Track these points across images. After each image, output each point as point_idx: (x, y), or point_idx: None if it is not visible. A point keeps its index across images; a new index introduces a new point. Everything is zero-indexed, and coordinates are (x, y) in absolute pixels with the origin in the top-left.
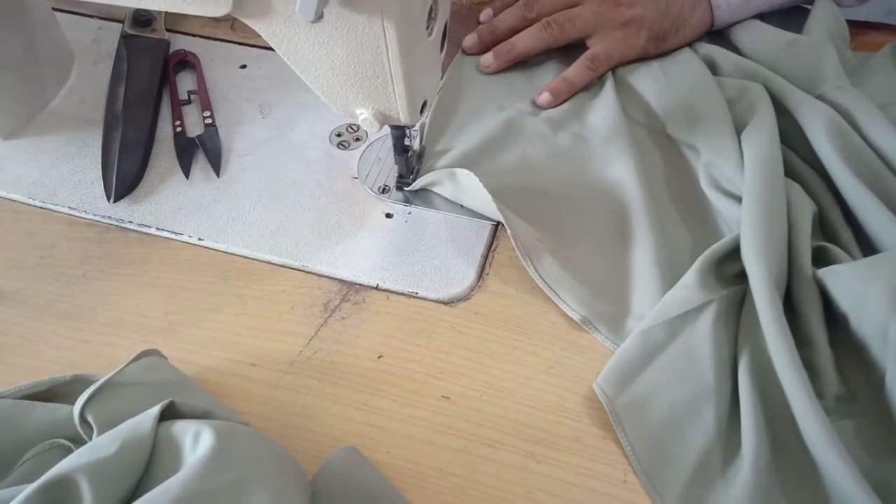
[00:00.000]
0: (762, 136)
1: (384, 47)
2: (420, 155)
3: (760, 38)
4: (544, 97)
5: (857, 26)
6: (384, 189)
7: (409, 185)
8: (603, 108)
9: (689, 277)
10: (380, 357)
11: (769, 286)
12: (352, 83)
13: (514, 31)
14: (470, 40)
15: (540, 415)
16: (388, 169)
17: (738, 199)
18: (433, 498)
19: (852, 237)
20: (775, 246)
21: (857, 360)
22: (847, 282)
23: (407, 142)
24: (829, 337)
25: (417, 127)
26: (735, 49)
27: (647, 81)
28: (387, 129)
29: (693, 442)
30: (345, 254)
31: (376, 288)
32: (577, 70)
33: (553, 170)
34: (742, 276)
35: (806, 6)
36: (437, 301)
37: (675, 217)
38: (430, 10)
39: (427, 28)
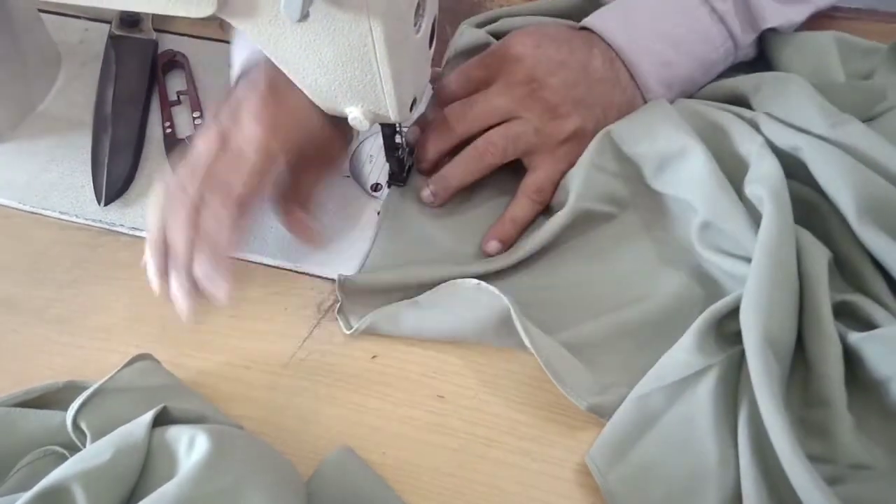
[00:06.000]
0: (773, 179)
1: (371, 45)
2: (411, 151)
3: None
4: (493, 245)
5: (849, 14)
6: (376, 187)
7: (402, 183)
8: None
9: (687, 339)
10: (374, 357)
11: (762, 344)
12: (340, 82)
13: (451, 153)
14: (424, 190)
15: (535, 412)
16: (381, 167)
17: (744, 259)
18: (429, 498)
19: (885, 286)
20: (779, 301)
21: (886, 428)
22: (888, 345)
23: (398, 139)
24: (850, 402)
25: (409, 123)
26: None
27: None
28: (378, 127)
29: None
30: (338, 253)
31: None
32: (522, 207)
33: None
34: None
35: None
36: None
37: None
38: (418, 6)
39: (415, 25)
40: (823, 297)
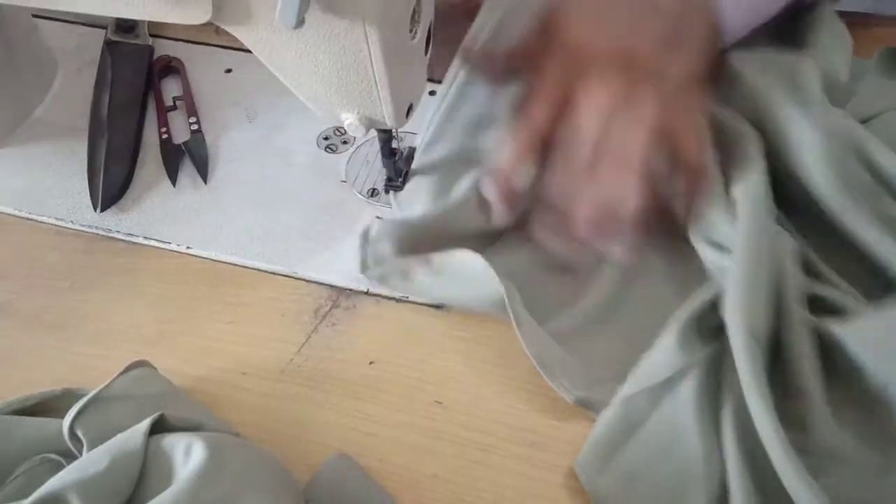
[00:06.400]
0: (751, 181)
1: (367, 52)
2: (409, 157)
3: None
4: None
5: (843, 17)
6: (373, 192)
7: (399, 188)
8: None
9: (669, 338)
10: (371, 363)
11: (748, 340)
12: (336, 88)
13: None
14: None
15: (533, 417)
16: (377, 172)
17: (726, 250)
18: None
19: (865, 274)
20: (761, 293)
21: (861, 416)
22: (867, 333)
23: (394, 144)
24: (828, 391)
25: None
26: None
27: None
28: (374, 132)
29: None
30: (334, 259)
31: (367, 293)
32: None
33: None
34: (723, 329)
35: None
36: (428, 305)
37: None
38: (414, 12)
39: (411, 31)
40: (795, 288)
